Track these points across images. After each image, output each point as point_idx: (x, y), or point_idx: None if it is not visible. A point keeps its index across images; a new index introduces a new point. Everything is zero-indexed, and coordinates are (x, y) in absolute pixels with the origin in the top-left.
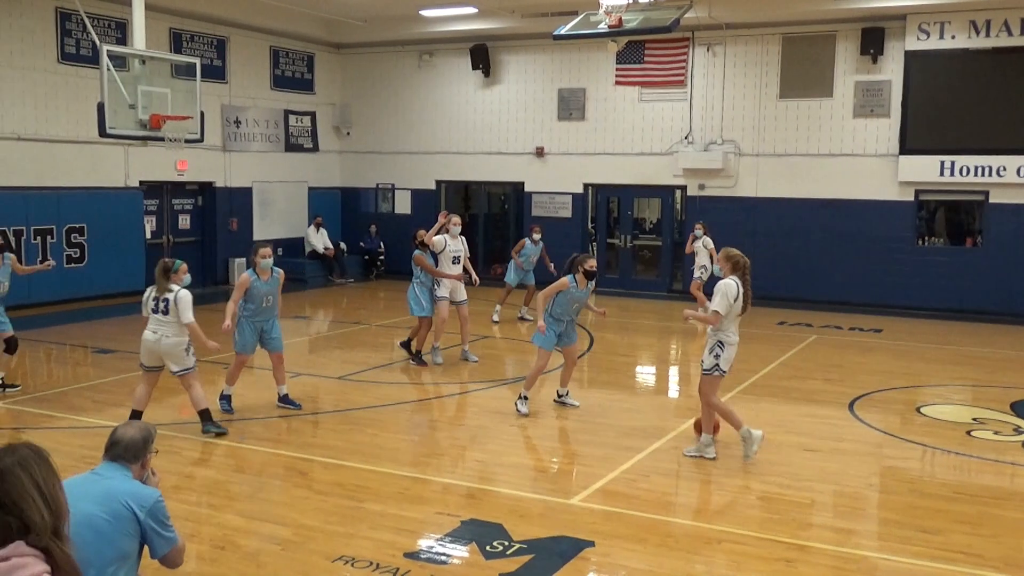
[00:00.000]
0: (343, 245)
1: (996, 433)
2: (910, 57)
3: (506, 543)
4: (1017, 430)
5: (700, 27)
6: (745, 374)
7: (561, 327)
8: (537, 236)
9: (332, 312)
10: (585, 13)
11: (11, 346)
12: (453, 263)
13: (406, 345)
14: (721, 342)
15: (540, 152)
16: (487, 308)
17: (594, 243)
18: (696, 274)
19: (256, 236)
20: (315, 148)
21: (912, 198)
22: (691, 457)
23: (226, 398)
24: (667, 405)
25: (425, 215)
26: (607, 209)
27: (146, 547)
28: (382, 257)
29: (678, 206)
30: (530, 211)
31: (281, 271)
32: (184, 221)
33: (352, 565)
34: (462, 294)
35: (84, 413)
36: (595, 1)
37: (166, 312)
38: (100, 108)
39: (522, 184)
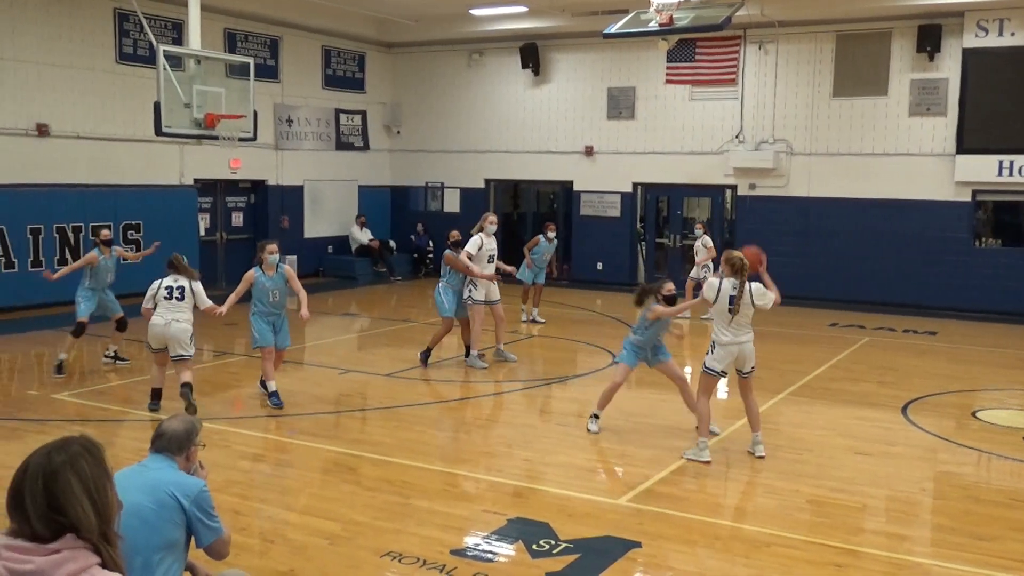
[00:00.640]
0: (392, 243)
1: None
2: (968, 55)
3: (552, 542)
4: None
5: (752, 25)
6: (796, 376)
7: (644, 353)
8: (552, 234)
9: (381, 309)
10: (635, 11)
11: (121, 325)
12: (488, 262)
13: (425, 354)
14: (713, 342)
15: (589, 151)
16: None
17: (643, 242)
18: (693, 273)
19: (307, 234)
20: (365, 147)
21: (969, 198)
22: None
23: (274, 394)
24: (715, 406)
25: (474, 214)
26: (656, 209)
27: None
28: (431, 255)
29: (728, 206)
30: (579, 210)
31: (287, 266)
32: (237, 219)
33: (399, 561)
34: (496, 294)
35: (138, 407)
36: None
37: (181, 298)
38: (156, 107)
39: (571, 183)
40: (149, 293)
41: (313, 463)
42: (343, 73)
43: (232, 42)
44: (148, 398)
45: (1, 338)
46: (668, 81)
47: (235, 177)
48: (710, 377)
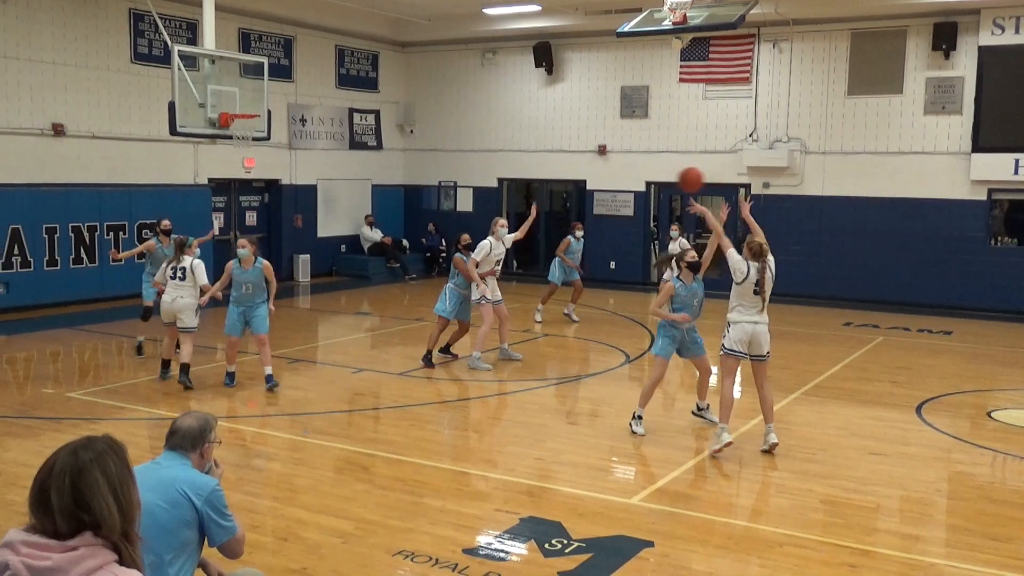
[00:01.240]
0: (405, 242)
1: None
2: (984, 53)
3: (565, 541)
4: None
5: (766, 23)
6: (810, 375)
7: (679, 334)
8: (580, 233)
9: (394, 308)
10: (649, 10)
11: (147, 315)
12: (496, 265)
13: (445, 351)
14: (729, 322)
15: (602, 150)
16: (530, 305)
17: (656, 241)
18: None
19: (320, 233)
20: (379, 146)
21: (985, 197)
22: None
23: (230, 375)
24: None
25: (487, 213)
26: (669, 207)
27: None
28: (443, 254)
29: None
30: (592, 209)
31: (265, 261)
32: (251, 218)
33: (412, 560)
34: (498, 294)
35: (155, 405)
36: None
37: (183, 278)
38: (171, 107)
39: (584, 182)
40: (160, 272)
41: (326, 462)
42: (356, 72)
43: (246, 42)
44: (161, 396)
45: (17, 336)
46: (682, 80)
47: (249, 176)
48: (730, 358)
